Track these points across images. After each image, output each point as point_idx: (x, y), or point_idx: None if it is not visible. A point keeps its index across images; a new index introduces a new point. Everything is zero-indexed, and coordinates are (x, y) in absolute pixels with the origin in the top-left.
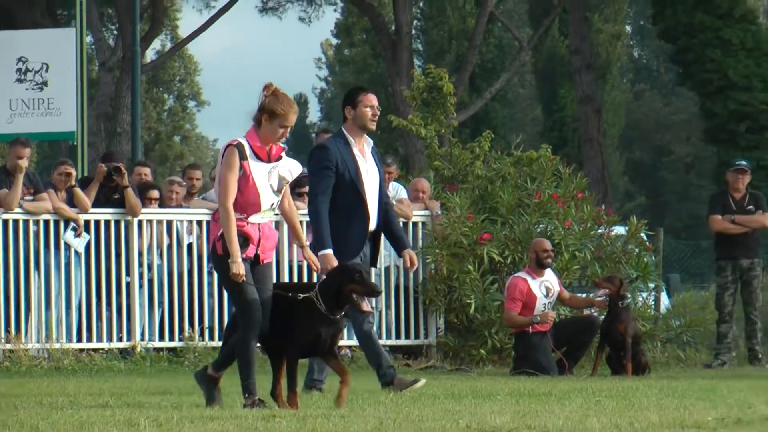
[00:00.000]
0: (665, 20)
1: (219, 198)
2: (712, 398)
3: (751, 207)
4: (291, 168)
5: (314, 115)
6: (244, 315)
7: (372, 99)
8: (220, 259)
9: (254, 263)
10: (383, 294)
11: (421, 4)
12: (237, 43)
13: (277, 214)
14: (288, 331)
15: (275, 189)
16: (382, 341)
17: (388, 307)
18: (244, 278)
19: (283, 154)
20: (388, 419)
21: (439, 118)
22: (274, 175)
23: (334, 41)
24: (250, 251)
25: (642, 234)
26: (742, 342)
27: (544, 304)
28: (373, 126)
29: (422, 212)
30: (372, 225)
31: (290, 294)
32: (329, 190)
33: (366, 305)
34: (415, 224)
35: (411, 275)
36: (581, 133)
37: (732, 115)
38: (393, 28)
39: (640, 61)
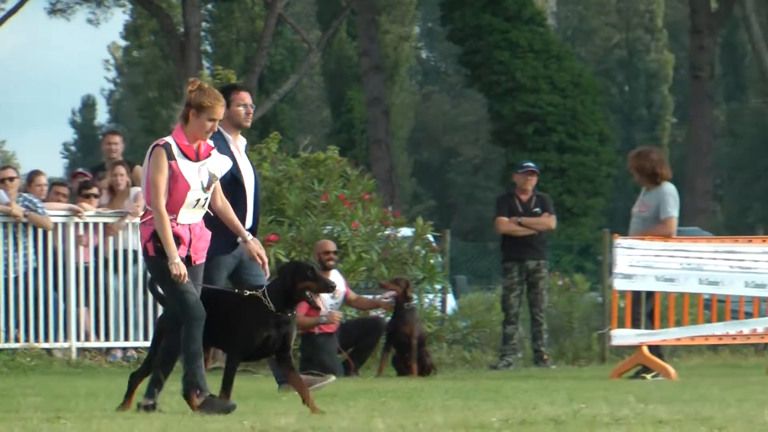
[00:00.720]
0: (453, 22)
1: (150, 200)
2: (497, 399)
3: (537, 209)
4: (220, 165)
5: (102, 116)
6: (186, 310)
7: (245, 97)
8: (153, 260)
9: (186, 264)
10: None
11: (209, 6)
12: (25, 45)
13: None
14: (232, 331)
15: (204, 186)
16: None
17: None
18: (184, 278)
19: (213, 152)
20: (173, 420)
21: None
22: (204, 172)
23: (123, 43)
24: (182, 252)
25: (429, 236)
26: (528, 343)
27: (331, 305)
28: (247, 124)
29: None
30: (248, 222)
31: (235, 291)
32: None
33: (321, 302)
34: None
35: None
36: (369, 135)
37: (520, 117)
38: (182, 29)
39: (429, 63)
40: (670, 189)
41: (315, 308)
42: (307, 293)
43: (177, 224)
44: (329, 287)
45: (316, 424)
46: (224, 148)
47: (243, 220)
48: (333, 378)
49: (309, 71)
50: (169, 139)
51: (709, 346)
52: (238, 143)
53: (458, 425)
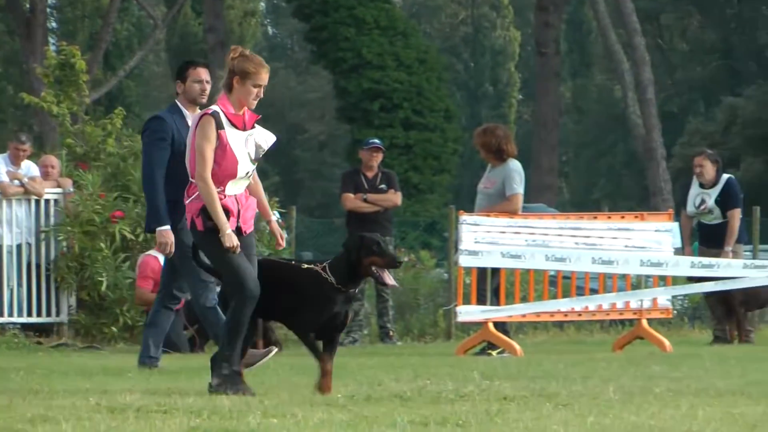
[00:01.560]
0: None
1: (197, 170)
2: (343, 376)
3: (383, 186)
4: (266, 137)
5: None
6: (240, 286)
7: (201, 73)
8: (202, 235)
9: (237, 235)
10: (14, 271)
11: None
12: None
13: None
14: (298, 307)
15: (252, 157)
16: (13, 319)
17: (19, 285)
18: (239, 249)
19: (255, 123)
20: (17, 396)
21: (71, 96)
22: (251, 142)
23: None
24: (232, 224)
25: (275, 212)
26: (374, 319)
27: None
28: (203, 100)
29: (54, 190)
30: None
31: (294, 263)
32: (165, 162)
33: (389, 278)
34: (47, 201)
35: (42, 253)
36: None
37: (365, 93)
38: (27, 6)
39: (275, 39)
40: (515, 166)
41: (382, 284)
42: (374, 268)
43: (224, 196)
44: (396, 262)
45: (161, 401)
46: (182, 123)
47: None
48: (275, 349)
49: (154, 47)
50: (215, 107)
51: (555, 323)
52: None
53: (304, 402)
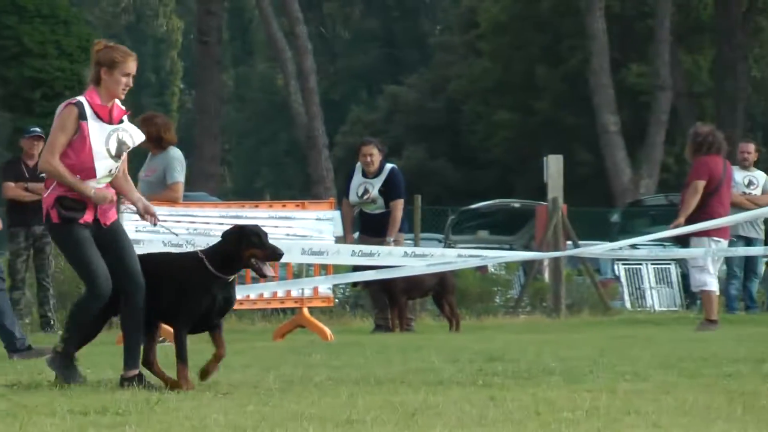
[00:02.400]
0: None
1: (42, 157)
2: (2, 365)
3: (44, 174)
4: (133, 134)
5: None
6: (91, 284)
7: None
8: (58, 228)
9: (97, 228)
10: None
11: None
12: None
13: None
14: (177, 296)
15: (113, 154)
16: None
17: None
18: (112, 199)
19: (125, 117)
20: None
21: None
22: (113, 138)
23: None
24: (88, 216)
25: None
26: (35, 308)
27: None
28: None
29: None
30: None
31: (172, 253)
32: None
33: (269, 270)
34: None
35: None
36: None
37: (27, 82)
38: None
39: None
40: (176, 154)
41: (262, 276)
42: (253, 261)
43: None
44: (277, 254)
45: None
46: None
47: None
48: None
49: None
50: (81, 98)
51: None
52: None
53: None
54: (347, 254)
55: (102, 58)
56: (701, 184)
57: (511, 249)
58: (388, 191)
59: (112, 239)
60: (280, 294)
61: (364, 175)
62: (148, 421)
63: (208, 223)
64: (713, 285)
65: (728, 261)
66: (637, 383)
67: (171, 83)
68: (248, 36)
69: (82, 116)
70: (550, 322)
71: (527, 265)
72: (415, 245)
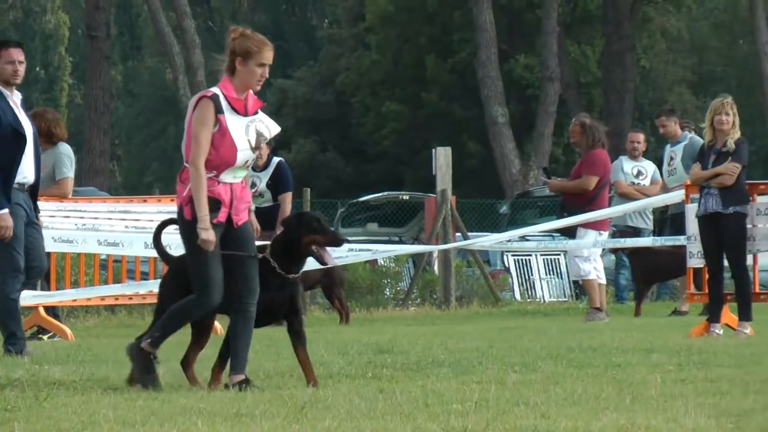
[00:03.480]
0: None
1: (191, 157)
2: None
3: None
4: (269, 125)
5: None
6: (201, 292)
7: (13, 53)
8: (188, 225)
9: (228, 228)
10: None
11: None
12: None
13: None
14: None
15: (252, 145)
16: None
17: None
18: (213, 247)
19: (259, 109)
20: None
21: None
22: (252, 130)
23: None
24: (222, 215)
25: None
26: None
27: None
28: (16, 80)
29: None
30: (32, 176)
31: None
32: None
33: (329, 257)
34: None
35: None
36: None
37: None
38: None
39: None
40: (65, 149)
41: (323, 264)
42: (314, 247)
43: (218, 183)
44: (339, 240)
45: None
46: (3, 102)
47: (27, 174)
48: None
49: None
50: (216, 89)
51: (106, 307)
52: (15, 98)
53: None
54: None
55: (237, 48)
56: (595, 179)
57: (400, 241)
58: (276, 185)
59: (239, 241)
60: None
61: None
62: (36, 417)
63: (96, 218)
64: (593, 273)
65: (617, 252)
66: (527, 374)
67: (60, 79)
68: (136, 31)
69: (218, 110)
70: (440, 313)
71: (417, 257)
72: None
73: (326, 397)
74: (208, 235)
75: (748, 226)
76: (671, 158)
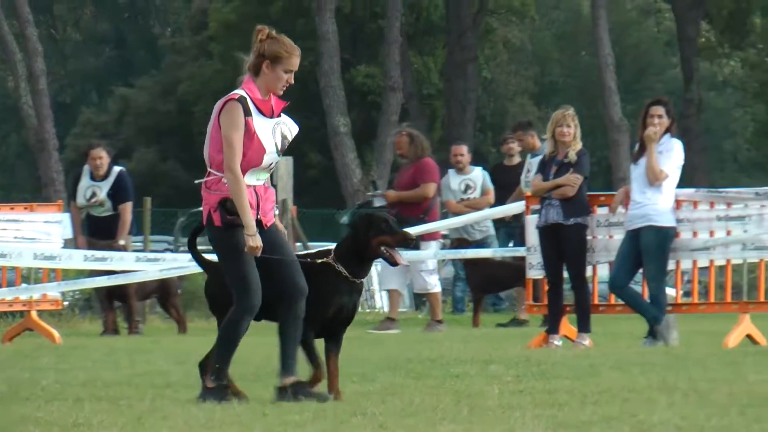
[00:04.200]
0: None
1: (225, 161)
2: None
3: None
4: (291, 127)
5: None
6: (242, 296)
7: None
8: (218, 231)
9: (259, 230)
10: None
11: None
12: None
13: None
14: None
15: (279, 148)
16: None
17: None
18: (260, 252)
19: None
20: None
21: None
22: (278, 132)
23: None
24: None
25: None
26: None
27: None
28: None
29: None
30: None
31: (306, 259)
32: None
33: (400, 258)
34: None
35: None
36: None
37: None
38: None
39: None
40: None
41: (393, 265)
42: (383, 249)
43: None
44: (409, 240)
45: None
46: None
47: None
48: None
49: None
50: (241, 92)
51: None
52: None
53: None
54: (80, 259)
55: (267, 51)
56: (434, 186)
57: None
58: (116, 194)
59: (273, 241)
60: (9, 297)
61: (92, 178)
62: None
63: None
64: (439, 286)
65: (455, 263)
66: (365, 385)
67: None
68: None
69: (246, 112)
70: None
71: None
72: (145, 248)
73: (163, 407)
74: (255, 241)
75: (588, 237)
76: (528, 170)
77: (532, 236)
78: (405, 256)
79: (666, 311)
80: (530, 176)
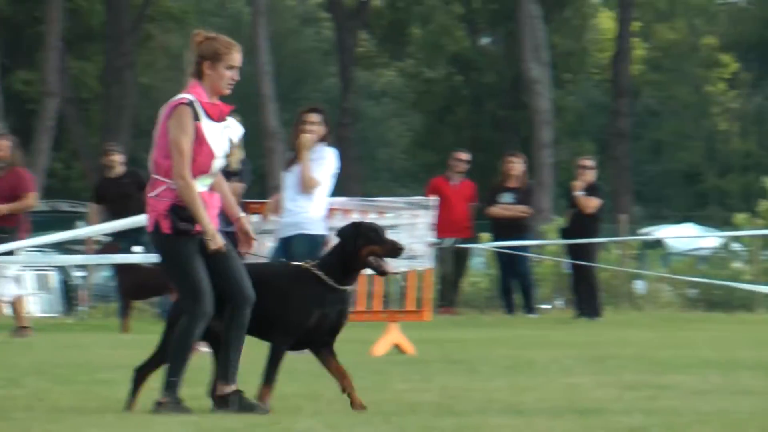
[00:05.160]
0: None
1: (175, 168)
2: None
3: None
4: (236, 130)
5: None
6: (193, 304)
7: None
8: (165, 239)
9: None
10: None
11: None
12: None
13: None
14: (280, 312)
15: (226, 153)
16: None
17: None
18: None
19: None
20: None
21: None
22: (225, 137)
23: None
24: (198, 225)
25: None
26: None
27: None
28: None
29: None
30: None
31: (281, 262)
32: None
33: (389, 267)
34: None
35: None
36: None
37: None
38: None
39: None
40: None
41: (382, 274)
42: (372, 258)
43: None
44: (398, 249)
45: None
46: None
47: None
48: None
49: None
50: (189, 95)
51: None
52: None
53: None
54: None
55: (204, 51)
56: (36, 194)
57: None
58: None
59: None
60: None
61: None
62: None
63: None
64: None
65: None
66: (12, 389)
67: None
68: None
69: (196, 116)
70: None
71: None
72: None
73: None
74: (217, 242)
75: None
76: None
77: None
78: (57, 259)
79: None
80: None
